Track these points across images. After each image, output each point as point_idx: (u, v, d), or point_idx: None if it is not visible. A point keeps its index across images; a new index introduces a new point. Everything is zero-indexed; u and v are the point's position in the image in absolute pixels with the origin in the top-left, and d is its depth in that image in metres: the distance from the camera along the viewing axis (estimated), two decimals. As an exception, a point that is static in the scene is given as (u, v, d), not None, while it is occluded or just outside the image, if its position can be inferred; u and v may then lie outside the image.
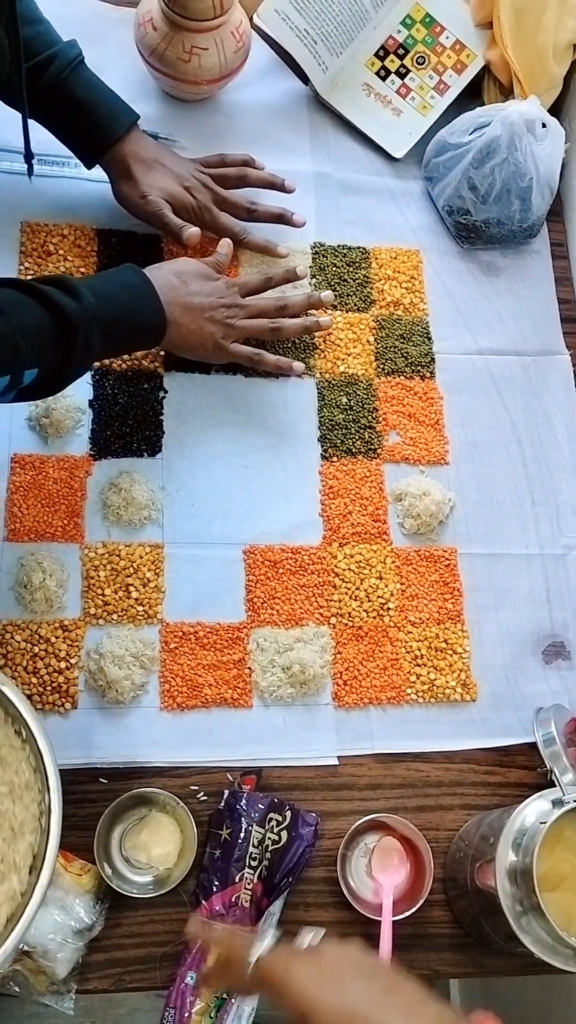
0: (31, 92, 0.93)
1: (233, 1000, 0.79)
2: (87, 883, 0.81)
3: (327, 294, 1.04)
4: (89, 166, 1.02)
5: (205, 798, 0.88)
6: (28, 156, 0.92)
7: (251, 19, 1.11)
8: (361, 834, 0.89)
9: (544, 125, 1.07)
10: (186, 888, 0.84)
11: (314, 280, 1.10)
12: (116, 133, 0.98)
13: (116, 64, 1.11)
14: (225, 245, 1.03)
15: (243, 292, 1.00)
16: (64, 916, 0.79)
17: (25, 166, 0.98)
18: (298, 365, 1.02)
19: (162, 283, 0.93)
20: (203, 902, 0.82)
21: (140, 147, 1.00)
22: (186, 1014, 0.78)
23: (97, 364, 1.01)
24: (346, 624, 0.96)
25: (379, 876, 0.87)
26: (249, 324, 0.99)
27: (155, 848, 0.85)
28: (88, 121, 0.97)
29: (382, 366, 1.07)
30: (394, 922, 0.84)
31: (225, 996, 0.79)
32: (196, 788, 0.88)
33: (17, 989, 0.78)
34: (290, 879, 0.83)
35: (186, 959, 0.80)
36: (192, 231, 1.00)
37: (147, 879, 0.85)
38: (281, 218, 1.07)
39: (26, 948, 0.78)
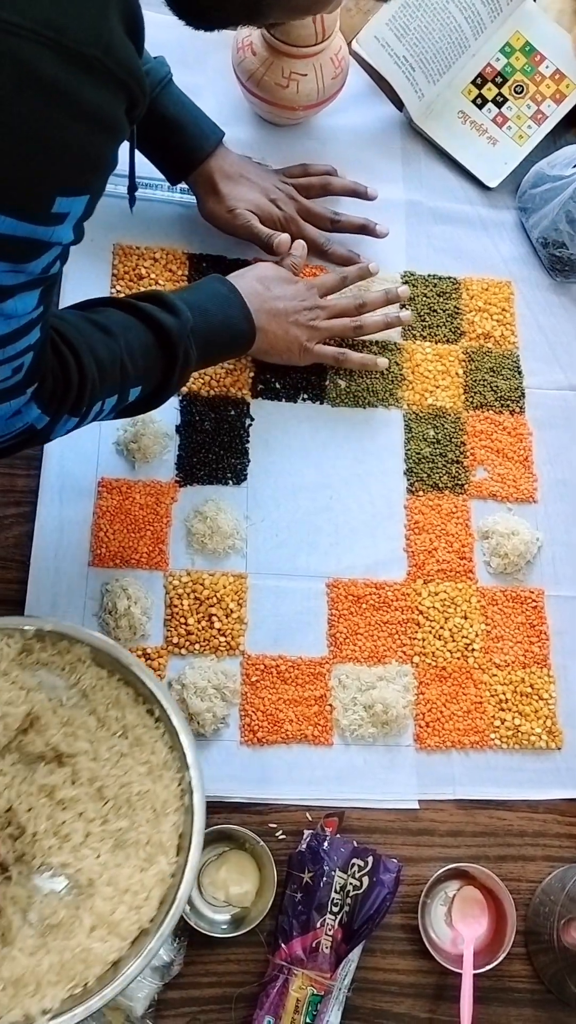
0: None
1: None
2: (165, 919, 0.80)
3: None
4: (175, 183, 1.02)
5: (283, 836, 0.87)
6: (132, 187, 0.92)
7: (349, 45, 1.10)
8: (441, 882, 0.87)
9: None
10: (263, 928, 0.83)
11: (404, 311, 1.08)
12: (204, 151, 0.98)
13: (211, 87, 1.11)
14: (299, 247, 1.02)
15: (321, 292, 1.01)
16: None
17: (127, 195, 0.98)
18: (382, 360, 1.02)
19: (248, 290, 0.93)
20: (282, 945, 0.80)
21: (226, 163, 1.01)
22: (263, 1059, 0.77)
23: (184, 390, 1.00)
24: (429, 664, 0.95)
25: (459, 926, 0.85)
26: (332, 324, 1.00)
27: (233, 886, 0.83)
28: (177, 139, 0.98)
29: (471, 399, 1.06)
30: (474, 976, 0.81)
31: (302, 1044, 0.78)
32: (275, 826, 0.87)
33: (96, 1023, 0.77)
34: (370, 926, 0.81)
35: (263, 1002, 0.79)
36: (283, 237, 1.00)
37: (224, 917, 0.84)
38: (365, 228, 1.07)
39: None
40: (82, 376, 0.74)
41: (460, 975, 0.81)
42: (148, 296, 0.84)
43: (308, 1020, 0.78)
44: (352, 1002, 0.82)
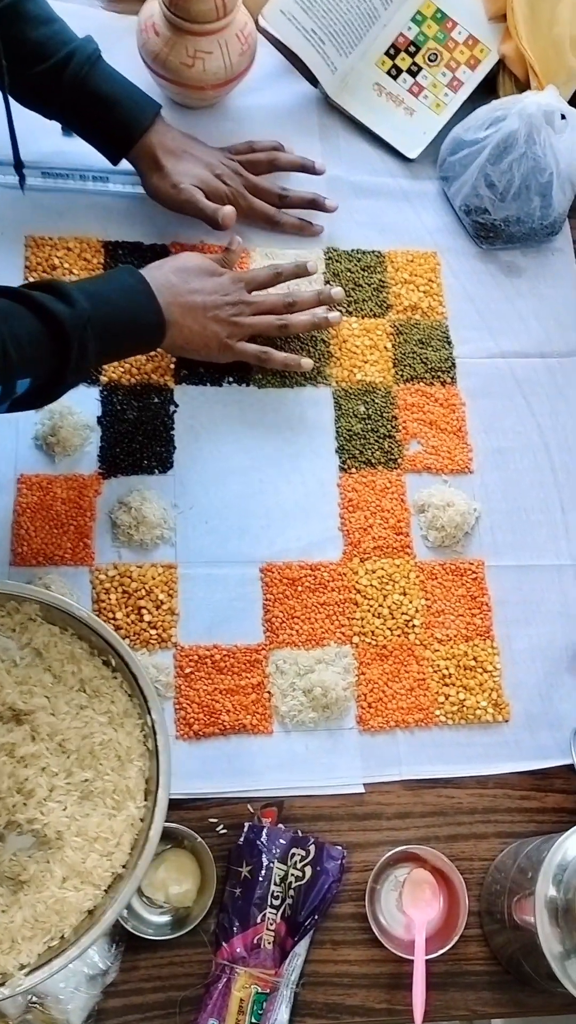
0: (53, 92, 0.93)
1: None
2: (102, 924, 0.77)
3: (337, 290, 1.01)
4: (116, 161, 0.99)
5: (225, 831, 0.83)
6: (19, 166, 0.90)
7: (256, 21, 1.08)
8: (391, 866, 0.84)
9: (563, 117, 1.03)
10: (206, 927, 0.80)
11: (328, 287, 1.06)
12: (142, 124, 0.96)
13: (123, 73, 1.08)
14: (235, 242, 0.99)
15: (250, 288, 0.97)
16: (77, 962, 0.75)
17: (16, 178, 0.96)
18: (307, 361, 0.98)
19: (160, 283, 0.90)
20: (223, 944, 0.77)
21: (167, 137, 0.98)
22: (209, 1063, 0.73)
23: (105, 380, 0.97)
24: (369, 643, 0.92)
25: (411, 911, 0.82)
26: (255, 321, 0.96)
27: (173, 886, 0.80)
28: (113, 115, 0.95)
29: (400, 373, 1.03)
30: (428, 961, 0.79)
31: (250, 1045, 0.75)
32: (215, 821, 0.84)
33: (29, 1039, 0.74)
34: (315, 917, 0.78)
35: (206, 1004, 0.76)
36: (227, 210, 0.97)
37: (165, 919, 0.80)
38: (314, 203, 1.05)
39: (35, 998, 0.74)
40: None
41: (414, 962, 0.78)
42: (42, 285, 0.81)
43: (254, 1020, 0.75)
44: (302, 998, 0.79)
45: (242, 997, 0.75)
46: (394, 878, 0.84)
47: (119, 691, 0.76)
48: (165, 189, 0.98)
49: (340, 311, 1.03)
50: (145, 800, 0.73)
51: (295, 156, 1.06)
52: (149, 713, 0.75)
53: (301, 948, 0.79)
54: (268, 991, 0.76)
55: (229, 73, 1.05)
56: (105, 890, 0.71)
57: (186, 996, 0.78)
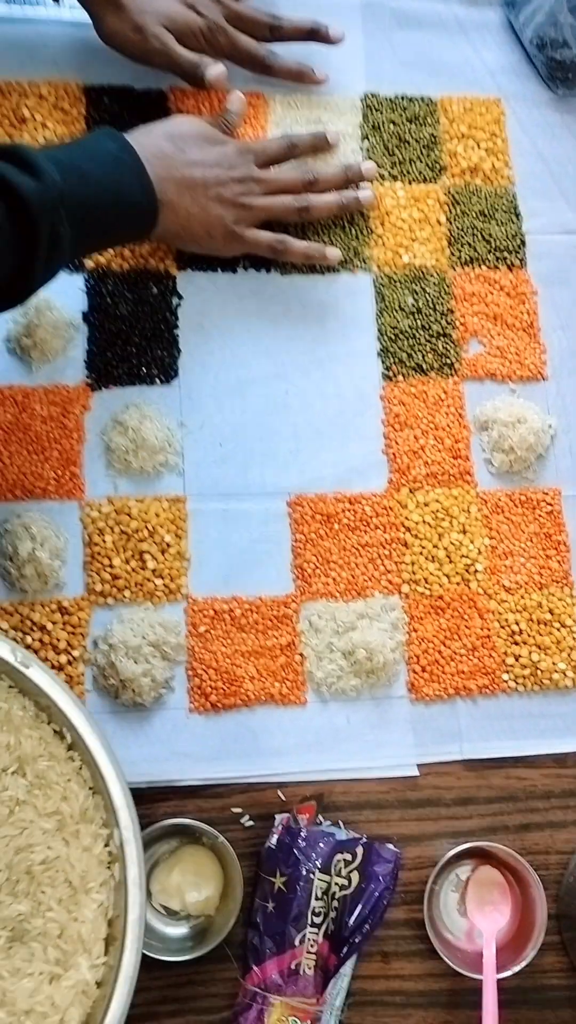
0: None
1: None
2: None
3: (369, 164, 0.82)
4: None
5: (252, 823, 0.69)
6: None
7: None
8: (451, 864, 0.70)
9: None
10: (232, 940, 0.66)
11: (366, 144, 0.85)
12: None
13: None
14: (236, 100, 0.80)
15: (260, 161, 0.79)
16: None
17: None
18: (333, 252, 0.80)
19: (151, 151, 0.71)
20: (254, 967, 0.64)
21: None
22: None
23: (91, 265, 0.79)
24: (422, 593, 0.75)
25: (476, 918, 0.69)
26: (269, 203, 0.78)
27: (191, 892, 0.67)
28: None
29: (457, 254, 0.84)
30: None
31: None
32: (239, 811, 0.70)
33: None
34: (365, 931, 0.65)
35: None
36: (216, 69, 0.79)
37: (183, 931, 0.67)
38: (314, 34, 0.84)
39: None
40: None
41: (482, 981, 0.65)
42: (2, 152, 0.62)
43: (293, 1056, 0.62)
44: (349, 1021, 0.67)
45: (278, 1033, 0.62)
46: (455, 876, 0.71)
47: (74, 781, 0.54)
48: (125, 32, 0.78)
49: (388, 184, 0.83)
50: (105, 955, 0.51)
51: (300, 20, 0.83)
52: (117, 824, 0.52)
53: (347, 968, 0.65)
54: (309, 1023, 0.63)
55: None
56: None
57: (211, 1022, 0.65)
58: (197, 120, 0.78)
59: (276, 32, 0.83)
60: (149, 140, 0.72)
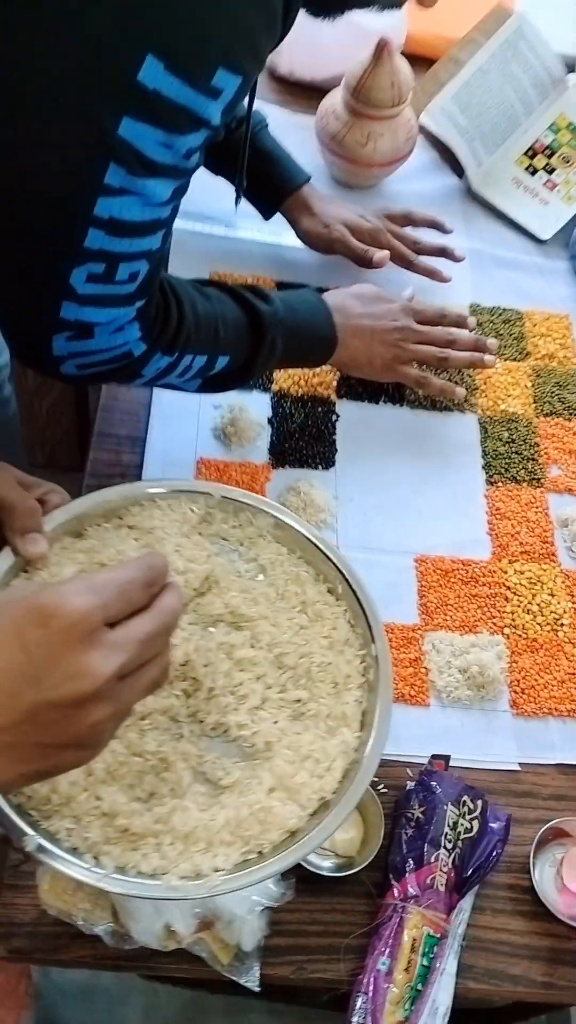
0: (226, 146, 1.05)
1: (430, 989, 0.72)
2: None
3: (492, 341, 1.10)
4: (269, 215, 1.14)
5: (385, 791, 0.84)
6: (240, 183, 1.01)
7: (418, 118, 1.26)
8: (546, 843, 0.83)
9: None
10: (371, 878, 0.79)
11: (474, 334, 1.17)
12: (297, 181, 1.11)
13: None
14: (410, 294, 1.12)
15: (417, 319, 1.07)
16: (250, 888, 0.74)
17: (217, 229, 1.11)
18: (460, 391, 1.06)
19: (337, 304, 1.01)
20: (394, 884, 0.76)
21: (316, 192, 1.14)
22: (380, 1001, 0.71)
23: (275, 388, 1.07)
24: (520, 636, 0.95)
25: (574, 886, 0.81)
26: (419, 350, 1.05)
27: (339, 832, 0.80)
28: (275, 169, 1.11)
29: (541, 408, 1.12)
30: (593, 934, 0.77)
31: (420, 988, 0.72)
32: (376, 780, 0.84)
33: (204, 955, 0.72)
34: (481, 873, 0.78)
35: (376, 944, 0.74)
36: (382, 253, 1.09)
37: (329, 864, 0.80)
38: (444, 252, 1.16)
39: (208, 917, 0.73)
40: (180, 318, 0.82)
41: (578, 934, 0.77)
42: (247, 286, 0.93)
43: (425, 963, 0.73)
44: (464, 960, 0.77)
45: (415, 936, 0.73)
46: (552, 856, 0.83)
47: (341, 619, 0.74)
48: (316, 229, 1.12)
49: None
50: (360, 731, 0.69)
51: (428, 213, 1.19)
52: (374, 641, 0.72)
53: (467, 903, 0.78)
54: (439, 936, 0.74)
55: (395, 154, 1.22)
56: (311, 814, 0.65)
57: (348, 943, 0.77)
58: (375, 287, 1.06)
59: (417, 247, 1.16)
60: (337, 298, 1.02)
